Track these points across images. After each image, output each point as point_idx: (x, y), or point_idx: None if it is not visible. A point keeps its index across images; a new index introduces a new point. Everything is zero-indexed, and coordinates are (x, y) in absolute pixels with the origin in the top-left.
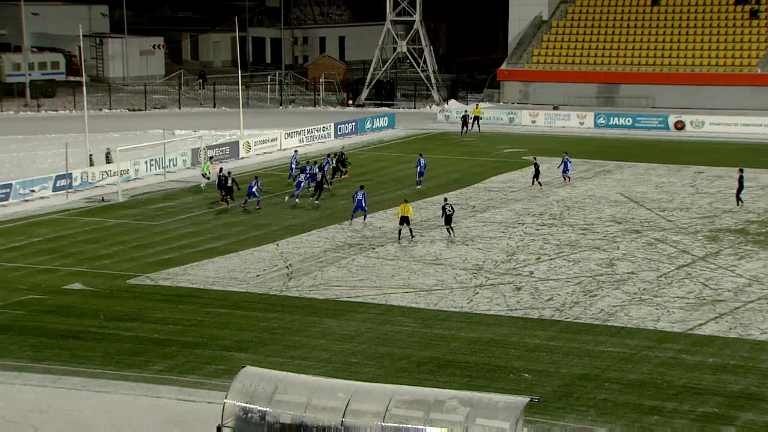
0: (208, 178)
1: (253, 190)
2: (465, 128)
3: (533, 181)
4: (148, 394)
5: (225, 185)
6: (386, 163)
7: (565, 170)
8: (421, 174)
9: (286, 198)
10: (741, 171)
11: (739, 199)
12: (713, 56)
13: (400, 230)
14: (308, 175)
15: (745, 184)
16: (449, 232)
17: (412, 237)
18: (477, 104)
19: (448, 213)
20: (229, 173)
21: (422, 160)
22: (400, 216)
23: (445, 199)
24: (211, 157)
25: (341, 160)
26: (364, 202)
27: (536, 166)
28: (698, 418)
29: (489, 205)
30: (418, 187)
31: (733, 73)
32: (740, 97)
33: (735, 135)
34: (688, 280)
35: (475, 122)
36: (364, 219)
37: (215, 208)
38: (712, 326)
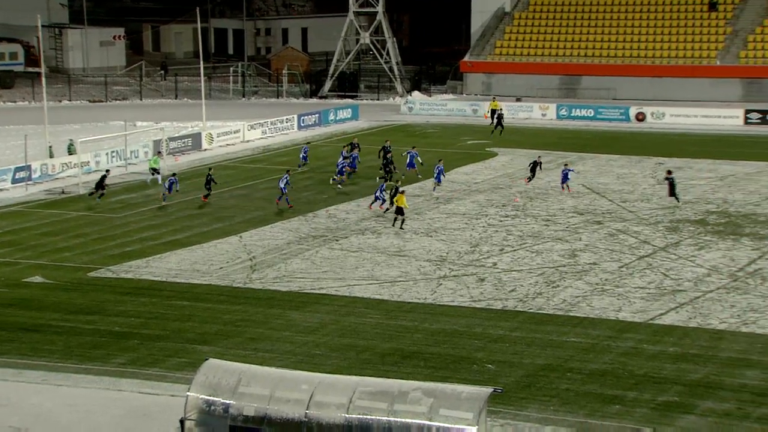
0: (158, 172)
1: (282, 185)
2: (500, 126)
3: (531, 177)
4: (110, 388)
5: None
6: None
7: (564, 180)
8: (411, 164)
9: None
10: (669, 173)
11: (674, 196)
12: (673, 48)
13: (395, 218)
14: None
15: (676, 182)
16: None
17: (401, 227)
18: (494, 97)
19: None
20: (209, 169)
21: (413, 152)
22: (395, 206)
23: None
24: (159, 152)
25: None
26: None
27: (536, 164)
28: (659, 407)
29: (452, 196)
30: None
31: (693, 65)
32: (700, 89)
33: (695, 126)
34: (649, 270)
35: (494, 116)
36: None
37: (178, 200)
38: (673, 316)
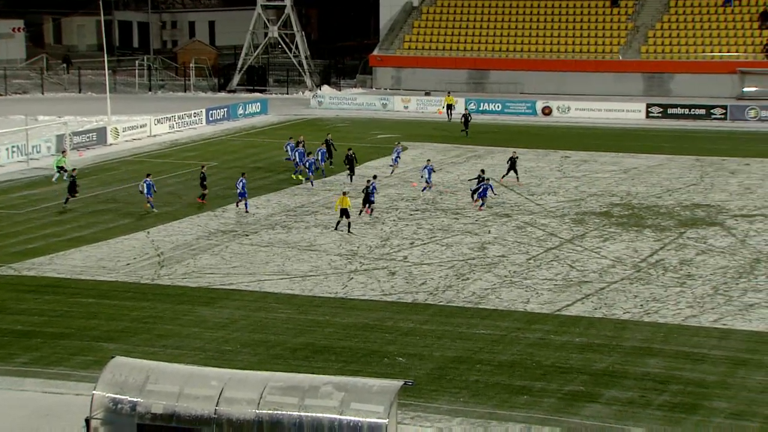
0: (65, 170)
1: (242, 190)
2: (465, 129)
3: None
4: (12, 388)
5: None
6: (259, 149)
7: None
8: (396, 160)
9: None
10: (514, 152)
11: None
12: (578, 43)
13: (338, 222)
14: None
15: (517, 167)
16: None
17: (349, 231)
18: (449, 92)
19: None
20: (202, 167)
21: (399, 148)
22: (339, 208)
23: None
24: (64, 151)
25: (330, 144)
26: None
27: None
28: (565, 396)
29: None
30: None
31: (597, 59)
32: (604, 84)
33: (599, 120)
34: (556, 262)
35: (449, 110)
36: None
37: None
38: (579, 307)
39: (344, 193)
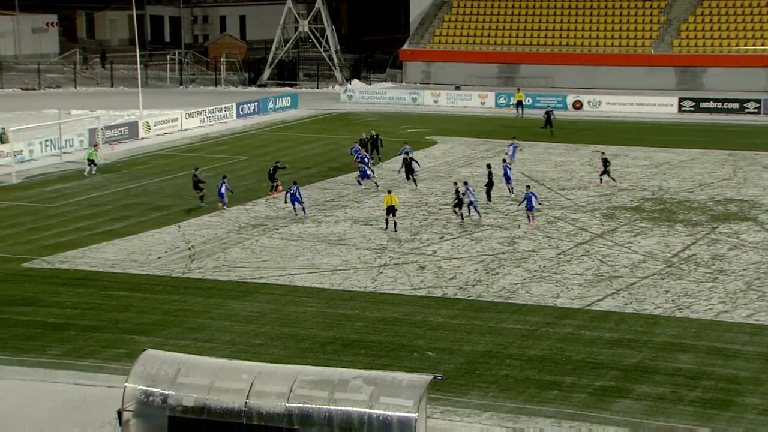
0: (95, 164)
1: (222, 191)
2: (549, 125)
3: (600, 180)
4: (45, 380)
5: (198, 185)
6: (289, 143)
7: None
8: (513, 155)
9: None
10: (603, 153)
11: (601, 179)
12: (609, 37)
13: (386, 219)
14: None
15: (610, 163)
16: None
17: (395, 230)
18: (518, 89)
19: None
20: (196, 168)
21: (515, 143)
22: (386, 206)
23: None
24: (96, 144)
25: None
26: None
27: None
28: (595, 392)
29: (393, 184)
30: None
31: (629, 53)
32: (635, 77)
33: (630, 114)
34: (586, 257)
35: (519, 107)
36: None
37: (115, 189)
38: (609, 302)
39: (389, 191)
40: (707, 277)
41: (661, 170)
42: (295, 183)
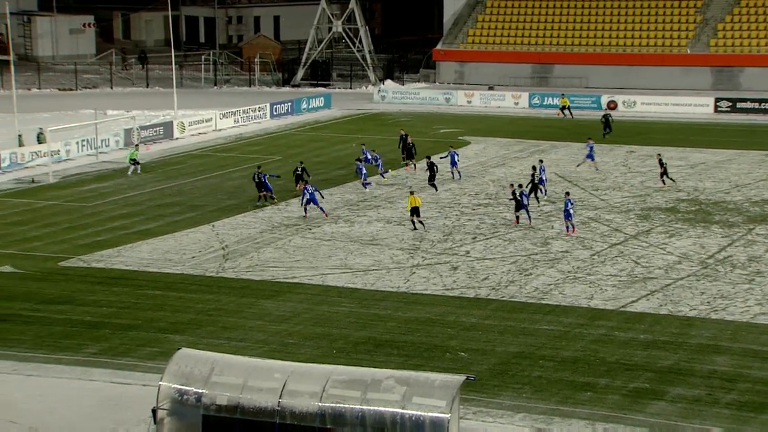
0: (138, 163)
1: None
2: (607, 129)
3: (663, 181)
4: (81, 377)
5: (260, 182)
6: (322, 143)
7: (541, 181)
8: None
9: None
10: (659, 154)
11: (663, 180)
12: (644, 37)
13: (413, 221)
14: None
15: (666, 163)
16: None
17: (424, 228)
18: (563, 94)
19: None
20: (259, 167)
21: (591, 144)
22: (410, 207)
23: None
24: (137, 144)
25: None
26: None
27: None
28: (630, 394)
29: (425, 185)
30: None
31: (664, 53)
32: (671, 77)
33: (666, 114)
34: (620, 258)
35: (566, 111)
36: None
37: (150, 189)
38: (644, 303)
39: (411, 192)
40: (743, 278)
41: (697, 171)
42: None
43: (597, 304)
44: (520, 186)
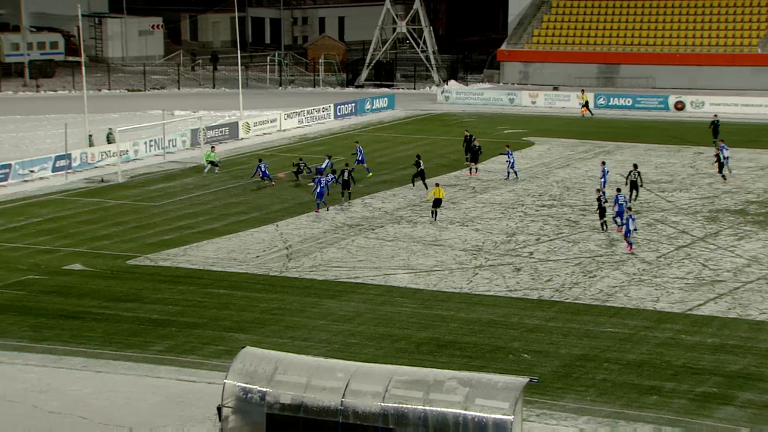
0: (216, 164)
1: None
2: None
3: (722, 174)
4: (148, 375)
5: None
6: (386, 143)
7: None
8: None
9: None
10: (718, 148)
11: (722, 173)
12: (713, 36)
13: (433, 212)
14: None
15: (723, 157)
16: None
17: (435, 219)
18: (583, 90)
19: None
20: (300, 159)
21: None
22: (433, 198)
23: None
24: (213, 146)
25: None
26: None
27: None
28: (697, 398)
29: (489, 186)
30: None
31: (734, 53)
32: (740, 77)
33: (735, 115)
34: (687, 260)
35: (586, 107)
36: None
37: (215, 189)
38: (711, 306)
39: (437, 184)
40: None
41: (767, 172)
42: (319, 173)
43: (663, 307)
44: (618, 191)
